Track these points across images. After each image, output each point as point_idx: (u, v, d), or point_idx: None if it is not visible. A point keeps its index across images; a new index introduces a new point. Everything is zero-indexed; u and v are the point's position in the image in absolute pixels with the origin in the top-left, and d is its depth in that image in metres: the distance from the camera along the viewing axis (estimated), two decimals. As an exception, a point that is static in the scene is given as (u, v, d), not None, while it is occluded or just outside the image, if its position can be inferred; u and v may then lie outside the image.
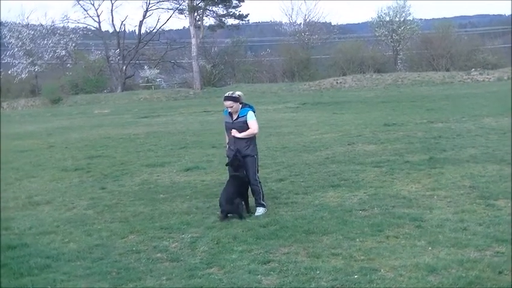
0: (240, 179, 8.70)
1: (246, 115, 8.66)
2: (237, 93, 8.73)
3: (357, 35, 70.01)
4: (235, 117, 8.71)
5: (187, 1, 54.60)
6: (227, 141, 9.03)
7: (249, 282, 5.87)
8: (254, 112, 8.79)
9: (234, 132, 8.66)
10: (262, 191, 8.85)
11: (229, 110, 8.69)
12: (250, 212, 8.71)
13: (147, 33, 60.74)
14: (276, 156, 13.90)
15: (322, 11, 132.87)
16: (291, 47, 57.93)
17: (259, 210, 8.69)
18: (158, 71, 61.24)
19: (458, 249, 6.47)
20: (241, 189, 8.65)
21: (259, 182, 8.90)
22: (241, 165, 8.69)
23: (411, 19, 57.71)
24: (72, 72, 57.43)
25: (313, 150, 14.55)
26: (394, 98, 32.61)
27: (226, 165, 9.06)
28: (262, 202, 8.79)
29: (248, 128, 8.66)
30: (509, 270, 5.74)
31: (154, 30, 60.29)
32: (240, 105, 8.70)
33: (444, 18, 70.03)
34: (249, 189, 8.87)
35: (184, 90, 52.78)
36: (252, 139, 8.77)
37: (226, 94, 8.73)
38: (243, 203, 8.60)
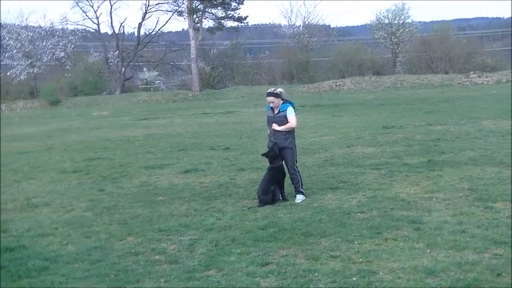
0: (275, 169, 9.49)
1: (286, 110, 9.40)
2: (279, 89, 9.58)
3: (356, 37, 70.22)
4: (276, 111, 9.48)
5: (186, 3, 54.67)
6: (268, 133, 9.78)
7: (247, 284, 5.86)
8: (294, 108, 9.54)
9: (275, 126, 9.45)
10: (301, 180, 9.61)
11: (271, 105, 9.50)
12: (286, 199, 9.43)
13: (146, 35, 60.86)
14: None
15: (321, 13, 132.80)
16: (290, 49, 58.05)
17: (299, 198, 9.46)
18: (157, 73, 61.37)
19: (457, 251, 6.47)
20: (276, 179, 9.41)
21: (298, 171, 9.66)
22: (277, 156, 9.47)
23: (410, 22, 57.94)
24: (71, 74, 57.54)
25: (312, 152, 14.54)
26: (393, 101, 32.63)
27: (262, 155, 9.86)
28: (301, 190, 9.55)
29: (287, 122, 9.41)
30: (508, 272, 5.74)
31: (154, 32, 60.45)
32: (281, 101, 9.46)
33: (443, 20, 70.01)
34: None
35: (183, 92, 52.83)
36: (290, 132, 9.53)
37: (269, 90, 9.57)
38: (280, 192, 9.42)
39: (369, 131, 18.23)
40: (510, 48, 58.24)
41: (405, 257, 6.38)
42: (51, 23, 61.41)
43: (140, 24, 60.25)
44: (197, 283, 5.97)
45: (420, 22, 63.92)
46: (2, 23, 60.10)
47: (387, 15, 57.60)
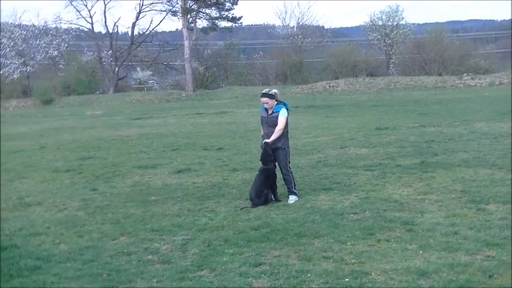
0: (268, 171, 9.50)
1: (279, 111, 9.47)
2: (273, 91, 9.67)
3: (349, 38, 70.36)
4: (270, 112, 9.56)
5: (180, 3, 54.62)
6: (262, 133, 9.85)
7: (240, 285, 5.86)
8: (288, 109, 9.63)
9: (266, 141, 9.43)
10: (293, 180, 9.65)
11: (265, 106, 9.57)
12: (279, 200, 9.50)
13: (139, 34, 60.75)
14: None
15: (315, 14, 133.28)
16: (283, 50, 58.01)
17: (292, 198, 9.50)
18: (151, 72, 61.24)
19: (449, 253, 6.49)
20: (269, 181, 9.44)
21: (291, 172, 9.71)
22: (271, 159, 9.51)
23: (404, 23, 58.04)
24: (65, 73, 57.32)
25: (306, 153, 14.55)
26: (386, 102, 32.69)
27: (260, 160, 9.73)
28: (294, 190, 9.59)
29: None
30: (500, 274, 5.76)
31: (147, 32, 60.34)
32: (275, 102, 9.53)
33: (437, 22, 70.24)
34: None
35: (177, 92, 52.77)
36: (283, 133, 9.50)
37: (263, 91, 9.66)
38: (272, 193, 9.48)
39: (362, 132, 18.25)
40: (503, 50, 58.38)
41: (398, 258, 6.40)
42: (45, 22, 61.16)
43: (134, 24, 60.18)
44: (190, 283, 5.96)
45: (414, 24, 64.09)
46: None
47: (381, 16, 57.72)
